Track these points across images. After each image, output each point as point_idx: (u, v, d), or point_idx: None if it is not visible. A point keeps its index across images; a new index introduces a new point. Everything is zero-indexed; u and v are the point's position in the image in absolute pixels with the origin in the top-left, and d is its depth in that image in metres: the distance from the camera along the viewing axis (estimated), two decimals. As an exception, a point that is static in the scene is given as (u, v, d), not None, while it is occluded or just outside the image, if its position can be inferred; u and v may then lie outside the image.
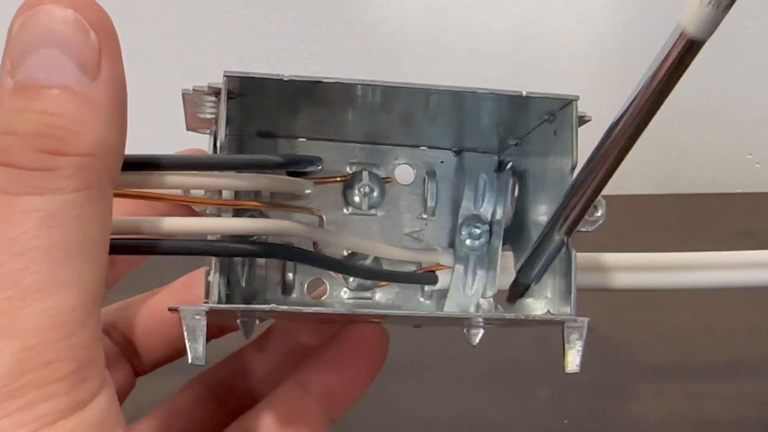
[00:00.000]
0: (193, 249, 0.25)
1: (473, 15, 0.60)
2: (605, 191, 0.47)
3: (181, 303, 0.27)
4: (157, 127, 0.42)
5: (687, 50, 0.20)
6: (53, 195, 0.19)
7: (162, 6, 0.61)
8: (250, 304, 0.29)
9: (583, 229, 0.27)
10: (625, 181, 0.61)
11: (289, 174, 0.27)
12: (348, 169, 0.31)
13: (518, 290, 0.29)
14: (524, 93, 0.27)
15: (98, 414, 0.20)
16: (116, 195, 0.21)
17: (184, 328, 0.24)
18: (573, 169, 0.27)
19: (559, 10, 0.59)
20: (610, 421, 0.42)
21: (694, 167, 0.62)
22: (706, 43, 0.20)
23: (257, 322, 0.28)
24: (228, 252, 0.26)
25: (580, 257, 0.28)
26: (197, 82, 0.26)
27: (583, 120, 0.27)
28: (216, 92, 0.26)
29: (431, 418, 0.42)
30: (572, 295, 0.27)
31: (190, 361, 0.24)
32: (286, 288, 0.31)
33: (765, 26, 0.59)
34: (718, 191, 0.61)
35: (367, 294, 0.32)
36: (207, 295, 0.28)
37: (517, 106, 0.27)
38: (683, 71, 0.20)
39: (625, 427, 0.42)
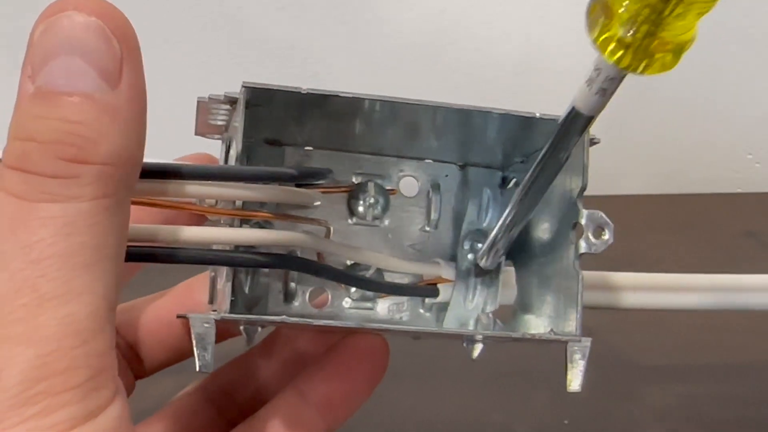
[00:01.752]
0: (209, 259, 0.25)
1: (473, 15, 0.60)
2: (605, 191, 0.47)
3: (184, 308, 0.27)
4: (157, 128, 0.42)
5: (584, 123, 0.23)
6: (71, 202, 0.19)
7: (161, 7, 0.61)
8: (252, 311, 0.29)
9: (592, 251, 0.27)
10: (625, 181, 0.62)
11: (297, 185, 0.27)
12: (353, 180, 0.31)
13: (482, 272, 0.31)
14: (538, 115, 0.27)
15: (111, 422, 0.20)
16: (133, 203, 0.21)
17: (193, 336, 0.24)
18: (583, 190, 0.27)
19: (560, 9, 0.59)
20: (610, 421, 0.42)
21: (694, 167, 0.62)
22: (707, 44, 0.21)
23: (259, 329, 0.28)
24: (243, 263, 0.25)
25: (587, 276, 0.27)
26: (199, 83, 0.26)
27: (592, 142, 0.27)
28: (231, 101, 0.26)
29: (431, 420, 0.42)
30: (578, 315, 0.27)
31: (198, 368, 0.24)
32: (288, 296, 0.31)
33: (765, 27, 0.60)
34: (718, 191, 0.61)
35: (369, 304, 0.32)
36: (211, 300, 0.28)
37: (525, 125, 0.27)
38: (579, 136, 0.24)
39: (625, 428, 0.42)
